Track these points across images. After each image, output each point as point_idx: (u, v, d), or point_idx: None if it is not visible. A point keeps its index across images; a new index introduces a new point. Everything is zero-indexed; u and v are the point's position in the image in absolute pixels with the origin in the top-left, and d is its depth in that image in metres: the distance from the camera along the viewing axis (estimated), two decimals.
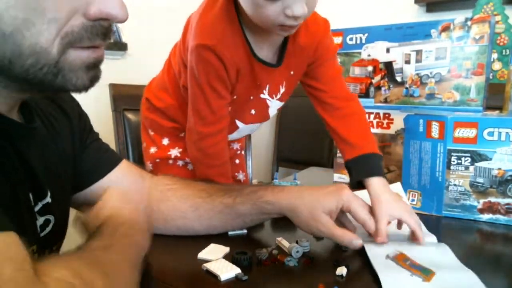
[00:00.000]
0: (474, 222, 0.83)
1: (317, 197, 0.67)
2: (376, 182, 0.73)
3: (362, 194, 0.72)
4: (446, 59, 0.98)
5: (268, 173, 2.27)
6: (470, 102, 0.96)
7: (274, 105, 0.89)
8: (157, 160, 0.95)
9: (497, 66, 1.69)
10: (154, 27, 1.84)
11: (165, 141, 0.95)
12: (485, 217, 0.82)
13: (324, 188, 0.69)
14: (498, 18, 1.66)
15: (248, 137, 1.37)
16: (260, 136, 2.26)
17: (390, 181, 0.87)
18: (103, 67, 0.46)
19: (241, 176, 1.08)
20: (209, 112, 0.78)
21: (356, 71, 1.10)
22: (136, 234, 0.54)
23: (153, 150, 0.95)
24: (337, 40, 1.08)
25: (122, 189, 0.62)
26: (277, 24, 0.66)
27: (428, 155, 0.87)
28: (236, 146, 1.07)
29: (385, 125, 1.08)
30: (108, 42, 0.44)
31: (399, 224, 0.71)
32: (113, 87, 1.24)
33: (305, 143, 1.97)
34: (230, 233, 0.73)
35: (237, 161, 1.08)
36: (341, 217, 0.69)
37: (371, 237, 0.67)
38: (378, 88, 1.08)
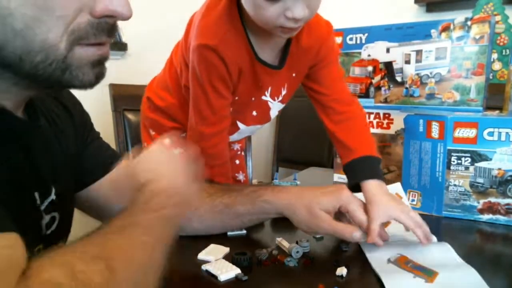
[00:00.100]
0: (474, 222, 0.82)
1: (315, 196, 0.67)
2: (371, 185, 0.72)
3: (362, 195, 0.72)
4: (446, 59, 0.98)
5: (268, 173, 2.27)
6: (470, 102, 0.96)
7: (275, 107, 0.89)
8: None
9: (497, 66, 1.69)
10: (154, 27, 1.84)
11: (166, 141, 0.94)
12: (485, 217, 0.82)
13: (323, 188, 0.69)
14: (498, 18, 1.66)
15: (248, 137, 1.37)
16: (260, 136, 2.26)
17: (390, 181, 0.87)
18: None
19: (241, 177, 1.08)
20: (211, 112, 0.78)
21: (356, 71, 1.10)
22: (172, 206, 0.50)
23: None
24: (337, 40, 1.08)
25: (167, 142, 0.58)
26: (278, 25, 0.66)
27: (428, 155, 0.87)
28: (236, 146, 1.07)
29: (385, 125, 1.08)
30: (113, 39, 0.45)
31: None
32: (113, 87, 1.24)
33: (305, 144, 1.97)
34: (229, 233, 0.73)
35: (237, 161, 1.08)
36: (340, 218, 0.69)
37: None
38: (378, 88, 1.08)
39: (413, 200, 0.90)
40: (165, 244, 0.47)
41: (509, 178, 0.79)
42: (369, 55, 1.07)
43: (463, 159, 0.83)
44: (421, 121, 0.88)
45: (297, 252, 0.64)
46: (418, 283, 0.55)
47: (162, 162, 0.55)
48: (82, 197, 0.65)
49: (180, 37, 0.87)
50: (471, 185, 0.83)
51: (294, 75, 0.84)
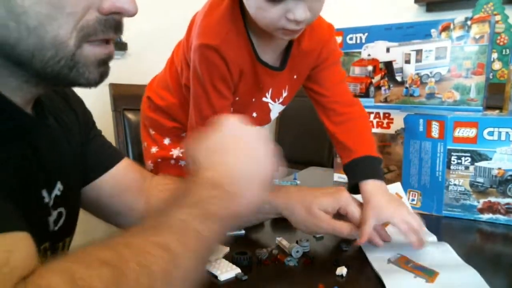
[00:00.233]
0: (474, 222, 0.82)
1: (315, 197, 0.67)
2: (370, 185, 0.72)
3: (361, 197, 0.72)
4: (446, 58, 0.98)
5: None
6: (470, 102, 0.96)
7: (276, 109, 0.89)
8: (159, 160, 0.95)
9: (497, 66, 1.69)
10: (154, 27, 1.84)
11: (167, 141, 0.95)
12: (485, 217, 0.82)
13: (323, 190, 0.69)
14: (498, 18, 1.66)
15: None
16: None
17: (390, 181, 0.87)
18: None
19: None
20: (211, 112, 0.78)
21: (356, 70, 1.10)
22: (225, 206, 0.43)
23: (154, 149, 0.95)
24: (337, 40, 1.08)
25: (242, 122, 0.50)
26: (279, 27, 0.66)
27: (428, 155, 0.87)
28: None
29: (385, 125, 1.08)
30: (120, 35, 0.46)
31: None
32: (113, 87, 1.24)
33: (305, 143, 1.97)
34: (228, 233, 0.73)
35: None
36: (338, 220, 0.69)
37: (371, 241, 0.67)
38: (378, 87, 1.08)
39: (413, 200, 0.90)
40: (202, 251, 0.40)
41: (509, 177, 0.79)
42: (369, 55, 1.07)
43: (463, 158, 0.83)
44: (421, 120, 0.88)
45: (297, 251, 0.64)
46: (418, 283, 0.55)
47: (231, 144, 0.48)
48: (84, 194, 0.66)
49: (181, 36, 0.87)
50: (471, 185, 0.83)
51: (295, 77, 0.84)
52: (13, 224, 0.35)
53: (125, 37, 1.85)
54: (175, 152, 0.94)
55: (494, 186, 0.81)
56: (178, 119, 0.91)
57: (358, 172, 0.75)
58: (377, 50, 1.06)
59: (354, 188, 0.74)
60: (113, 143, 1.17)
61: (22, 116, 0.46)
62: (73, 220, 0.59)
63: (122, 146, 1.21)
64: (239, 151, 0.47)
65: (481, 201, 0.82)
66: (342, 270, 0.58)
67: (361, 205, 0.69)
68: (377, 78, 1.07)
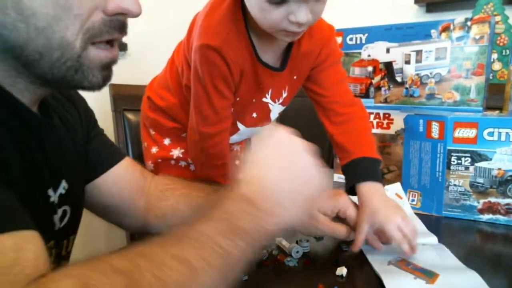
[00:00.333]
0: (474, 222, 0.82)
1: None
2: (366, 187, 0.71)
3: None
4: (446, 59, 0.98)
5: None
6: (470, 102, 0.96)
7: (276, 109, 0.89)
8: (159, 160, 0.95)
9: (497, 66, 1.68)
10: (154, 27, 1.84)
11: (167, 141, 0.94)
12: (485, 217, 0.82)
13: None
14: (498, 18, 1.66)
15: (249, 138, 1.37)
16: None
17: (390, 181, 0.87)
18: None
19: None
20: (212, 112, 0.78)
21: (356, 71, 1.10)
22: (258, 223, 0.40)
23: (154, 150, 0.95)
24: (337, 40, 1.08)
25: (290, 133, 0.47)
26: (281, 29, 0.66)
27: (428, 155, 0.87)
28: (236, 148, 1.07)
29: (385, 125, 1.08)
30: (124, 36, 0.47)
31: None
32: (113, 87, 1.24)
33: None
34: None
35: (237, 162, 1.08)
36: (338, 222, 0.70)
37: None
38: (378, 88, 1.08)
39: (413, 200, 0.90)
40: (224, 268, 0.38)
41: (509, 178, 0.79)
42: (369, 55, 1.07)
43: (463, 159, 0.83)
44: (421, 121, 0.88)
45: (297, 252, 0.64)
46: (419, 284, 0.55)
47: (276, 158, 0.45)
48: (85, 193, 0.66)
49: (181, 37, 0.87)
50: (471, 185, 0.83)
51: (295, 77, 0.84)
52: (22, 223, 0.36)
53: (125, 37, 1.84)
54: (175, 153, 0.94)
55: (494, 187, 0.81)
56: (178, 119, 0.91)
57: (355, 174, 0.75)
58: (377, 51, 1.06)
59: (351, 190, 0.74)
60: None
61: (30, 116, 0.47)
62: (77, 218, 0.60)
63: (122, 147, 1.21)
64: (283, 167, 0.45)
65: (481, 201, 0.82)
66: (342, 270, 0.58)
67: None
68: (377, 78, 1.07)
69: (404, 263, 0.61)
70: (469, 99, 0.96)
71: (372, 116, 1.09)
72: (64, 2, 0.40)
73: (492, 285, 0.53)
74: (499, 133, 0.79)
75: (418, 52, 1.01)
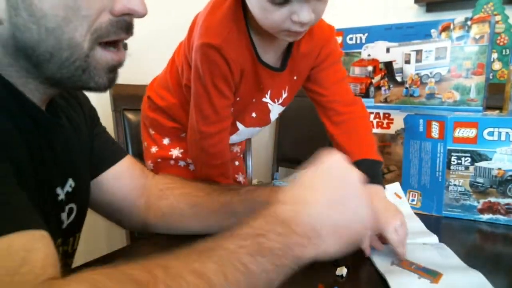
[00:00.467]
0: (474, 222, 0.82)
1: None
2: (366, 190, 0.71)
3: None
4: (446, 59, 0.98)
5: (268, 173, 2.27)
6: (470, 102, 0.96)
7: (275, 110, 0.89)
8: (159, 160, 0.95)
9: (497, 66, 1.68)
10: (154, 27, 1.84)
11: (166, 141, 0.95)
12: (485, 217, 0.82)
13: None
14: (498, 18, 1.66)
15: (248, 139, 1.37)
16: (260, 136, 2.26)
17: (390, 181, 0.87)
18: None
19: (241, 178, 1.08)
20: (212, 111, 0.78)
21: (356, 71, 1.10)
22: (289, 247, 0.38)
23: (154, 149, 0.95)
24: (337, 40, 1.08)
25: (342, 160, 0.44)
26: (283, 29, 0.66)
27: (428, 155, 0.87)
28: (236, 149, 1.07)
29: (385, 125, 1.08)
30: (130, 36, 0.48)
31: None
32: (113, 87, 1.24)
33: (305, 143, 1.96)
34: None
35: (236, 163, 1.08)
36: None
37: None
38: (378, 88, 1.08)
39: (413, 200, 0.90)
40: (244, 287, 0.36)
41: (509, 178, 0.79)
42: (369, 55, 1.07)
43: (463, 159, 0.83)
44: (421, 121, 0.88)
45: None
46: (423, 283, 0.54)
47: (324, 183, 0.43)
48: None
49: (181, 37, 0.87)
50: (471, 185, 0.83)
51: (295, 78, 0.84)
52: (32, 223, 0.36)
53: None
54: (175, 152, 0.94)
55: (494, 187, 0.81)
56: (178, 119, 0.91)
57: None
58: (377, 50, 1.06)
59: None
60: None
61: (40, 115, 0.48)
62: (82, 215, 0.61)
63: (122, 146, 1.21)
64: (330, 194, 0.42)
65: (481, 201, 0.82)
66: (342, 270, 0.58)
67: None
68: (377, 78, 1.07)
69: (407, 263, 0.61)
70: (469, 98, 0.96)
71: (372, 116, 1.09)
72: (73, 4, 0.41)
73: (493, 284, 0.53)
74: (499, 133, 0.79)
75: (418, 52, 1.01)
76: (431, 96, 1.01)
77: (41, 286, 0.33)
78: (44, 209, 0.45)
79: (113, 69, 0.48)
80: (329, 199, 0.42)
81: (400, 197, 0.85)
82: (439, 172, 0.86)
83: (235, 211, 0.70)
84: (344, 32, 1.09)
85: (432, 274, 0.56)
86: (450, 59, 0.97)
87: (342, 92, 0.86)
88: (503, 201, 0.80)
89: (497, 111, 0.99)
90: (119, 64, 0.49)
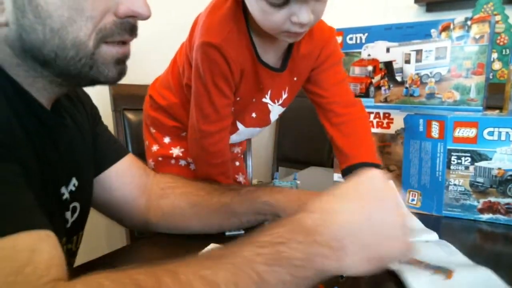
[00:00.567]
0: (474, 222, 0.82)
1: (313, 201, 0.67)
2: None
3: None
4: (446, 58, 0.98)
5: (268, 173, 2.27)
6: (470, 102, 0.96)
7: (275, 110, 0.90)
8: (160, 159, 0.95)
9: (497, 66, 1.69)
10: (155, 28, 1.84)
11: (167, 140, 0.95)
12: (485, 217, 0.82)
13: None
14: (498, 18, 1.66)
15: (249, 139, 1.37)
16: (260, 136, 2.25)
17: None
18: None
19: (241, 178, 1.08)
20: (213, 110, 0.78)
21: (356, 71, 1.10)
22: (310, 258, 0.36)
23: (155, 148, 0.96)
24: (338, 39, 1.08)
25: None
26: (283, 30, 0.66)
27: (428, 155, 0.87)
28: (237, 150, 1.07)
29: (385, 125, 1.08)
30: (135, 37, 0.49)
31: None
32: (113, 87, 1.24)
33: (305, 143, 1.97)
34: (227, 233, 0.73)
35: (237, 163, 1.09)
36: None
37: None
38: (378, 88, 1.08)
39: (413, 200, 0.90)
40: None
41: (509, 177, 0.79)
42: (369, 55, 1.07)
43: (463, 158, 0.83)
44: (421, 120, 0.88)
45: None
46: (438, 279, 0.54)
47: (357, 194, 0.40)
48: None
49: (181, 37, 0.87)
50: (471, 185, 0.83)
51: (295, 79, 0.85)
52: (37, 223, 0.36)
53: None
54: (175, 151, 0.94)
55: (494, 186, 0.81)
56: (179, 118, 0.92)
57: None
58: (377, 50, 1.06)
59: None
60: None
61: (46, 115, 0.49)
62: (85, 214, 0.61)
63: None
64: (361, 206, 0.39)
65: (481, 201, 0.82)
66: None
67: None
68: (377, 78, 1.07)
69: (416, 261, 0.61)
70: (469, 98, 0.96)
71: (372, 116, 1.09)
72: (78, 5, 0.42)
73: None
74: (499, 132, 0.79)
75: (418, 52, 1.01)
76: (431, 96, 1.01)
77: (45, 287, 0.33)
78: (49, 208, 0.45)
79: (120, 61, 0.49)
80: (361, 212, 0.39)
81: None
82: (439, 172, 0.86)
83: (236, 211, 0.70)
84: (344, 32, 1.09)
85: (444, 271, 0.56)
86: (450, 59, 0.97)
87: (342, 93, 0.86)
88: (503, 201, 0.80)
89: (497, 111, 0.99)
90: (125, 56, 0.49)
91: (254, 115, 0.88)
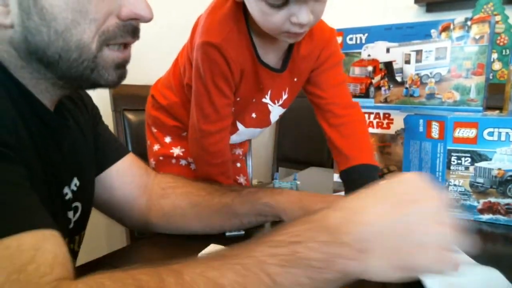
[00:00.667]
0: (474, 222, 0.82)
1: (314, 203, 0.68)
2: None
3: None
4: (446, 59, 0.98)
5: (268, 173, 2.27)
6: (470, 102, 0.96)
7: (275, 111, 0.90)
8: (160, 158, 0.96)
9: (497, 66, 1.69)
10: (155, 28, 1.84)
11: (168, 139, 0.96)
12: (485, 217, 0.82)
13: (323, 197, 0.70)
14: (498, 18, 1.66)
15: (249, 140, 1.37)
16: (260, 136, 2.25)
17: None
18: None
19: (242, 180, 1.08)
20: (213, 110, 0.78)
21: (356, 71, 1.10)
22: (332, 260, 0.33)
23: (156, 147, 0.96)
24: (338, 40, 1.08)
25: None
26: (283, 31, 0.66)
27: (428, 155, 0.87)
28: (238, 151, 1.08)
29: (385, 125, 1.08)
30: (137, 40, 0.50)
31: None
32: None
33: (305, 143, 1.97)
34: (227, 233, 0.73)
35: (238, 164, 1.09)
36: None
37: None
38: (378, 88, 1.08)
39: None
40: None
41: (509, 178, 0.79)
42: (369, 55, 1.07)
43: (463, 159, 0.83)
44: (421, 121, 0.88)
45: None
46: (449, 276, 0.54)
47: (391, 194, 0.36)
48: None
49: (181, 38, 0.87)
50: (471, 185, 0.83)
51: (295, 79, 0.85)
52: (42, 222, 0.37)
53: None
54: (176, 151, 0.95)
55: (494, 187, 0.81)
56: (179, 118, 0.92)
57: (355, 181, 0.78)
58: (377, 51, 1.06)
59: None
60: None
61: (49, 117, 0.49)
62: (87, 213, 0.62)
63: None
64: (394, 206, 0.35)
65: (481, 201, 0.82)
66: None
67: None
68: (377, 78, 1.07)
69: None
70: (469, 99, 0.96)
71: (372, 116, 1.09)
72: (82, 8, 0.43)
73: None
74: (499, 133, 0.79)
75: (418, 52, 1.01)
76: (431, 96, 1.01)
77: (48, 286, 0.33)
78: (53, 209, 0.46)
79: (120, 66, 0.50)
80: (391, 213, 0.34)
81: None
82: (439, 172, 0.86)
83: (237, 212, 0.70)
84: (344, 32, 1.09)
85: None
86: (450, 59, 0.97)
87: (342, 95, 0.86)
88: (503, 201, 0.80)
89: (497, 111, 0.99)
90: (125, 61, 0.50)
91: (254, 115, 0.88)
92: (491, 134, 0.80)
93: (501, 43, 1.68)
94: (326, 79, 0.85)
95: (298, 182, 1.06)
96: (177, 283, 0.32)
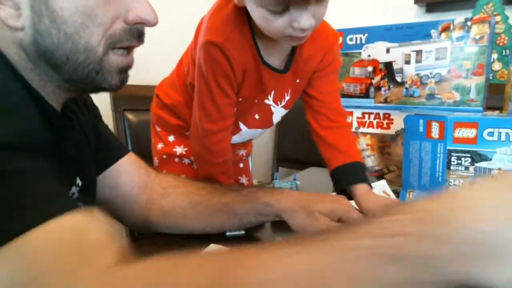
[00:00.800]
0: None
1: (315, 202, 0.68)
2: (363, 188, 0.79)
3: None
4: (446, 59, 0.98)
5: (268, 173, 2.27)
6: (470, 102, 0.96)
7: (278, 112, 0.90)
8: (164, 156, 0.96)
9: (497, 66, 1.69)
10: (156, 29, 1.84)
11: (171, 138, 0.96)
12: None
13: (324, 197, 0.71)
14: (498, 18, 1.66)
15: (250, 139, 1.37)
16: (261, 136, 2.25)
17: (390, 181, 0.87)
18: None
19: (244, 180, 1.08)
20: (215, 109, 0.79)
21: (356, 71, 1.10)
22: (436, 256, 0.25)
23: (160, 146, 0.97)
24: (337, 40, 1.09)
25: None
26: (286, 35, 0.67)
27: (428, 155, 0.87)
28: (242, 152, 1.08)
29: (385, 125, 1.09)
30: (142, 43, 0.51)
31: None
32: None
33: (305, 143, 1.96)
34: (227, 233, 0.73)
35: (241, 165, 1.09)
36: None
37: None
38: (378, 88, 1.08)
39: None
40: None
41: None
42: (369, 55, 1.07)
43: (463, 159, 0.83)
44: (421, 121, 0.88)
45: None
46: None
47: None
48: None
49: (182, 39, 0.88)
50: None
51: (298, 81, 0.85)
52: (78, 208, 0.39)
53: None
54: (179, 150, 0.95)
55: None
56: (182, 117, 0.93)
57: (351, 176, 0.82)
58: (377, 51, 1.06)
59: (341, 192, 0.81)
60: None
61: (57, 118, 0.50)
62: None
63: None
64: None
65: None
66: None
67: (360, 214, 0.70)
68: (377, 78, 1.07)
69: None
70: (469, 99, 0.96)
71: (372, 116, 1.09)
72: (91, 11, 0.44)
73: None
74: (499, 133, 0.79)
75: (418, 52, 1.01)
76: (431, 96, 1.01)
77: (107, 270, 0.35)
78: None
79: (123, 71, 0.51)
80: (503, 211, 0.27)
81: (388, 195, 0.87)
82: (439, 172, 0.86)
83: (237, 211, 0.70)
84: (344, 32, 1.10)
85: None
86: (450, 59, 0.97)
87: (336, 101, 0.90)
88: None
89: (497, 112, 0.99)
90: (128, 66, 0.52)
91: (257, 116, 0.89)
92: (491, 134, 0.80)
93: (501, 44, 1.68)
94: (326, 83, 0.87)
95: (298, 182, 1.06)
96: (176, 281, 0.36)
